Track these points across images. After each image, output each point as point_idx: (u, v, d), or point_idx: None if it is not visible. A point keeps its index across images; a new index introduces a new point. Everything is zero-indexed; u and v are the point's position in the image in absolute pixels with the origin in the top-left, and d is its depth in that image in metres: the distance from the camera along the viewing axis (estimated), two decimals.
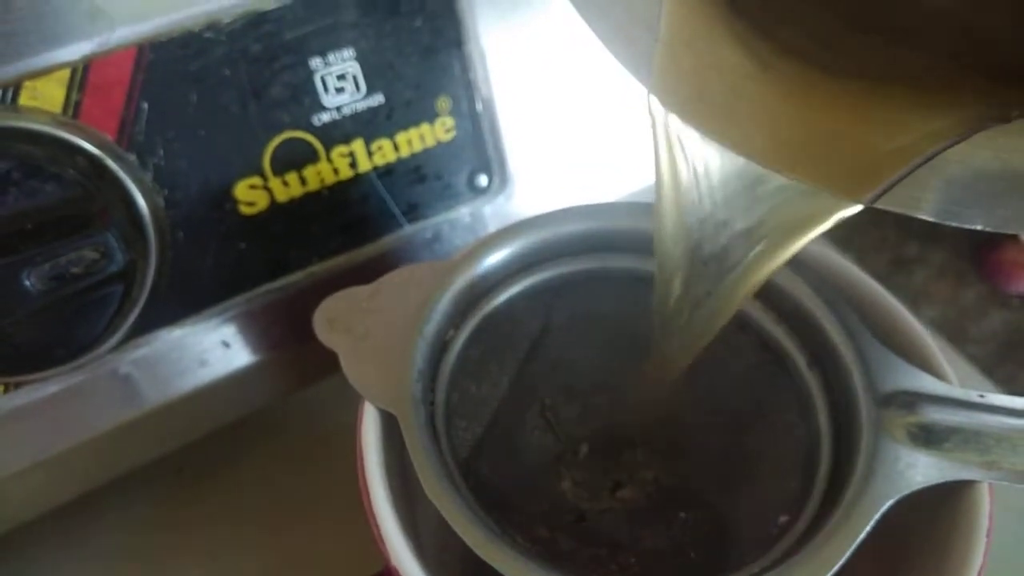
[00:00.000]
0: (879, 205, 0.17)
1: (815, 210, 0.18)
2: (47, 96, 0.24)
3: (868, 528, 0.20)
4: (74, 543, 0.34)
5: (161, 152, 0.26)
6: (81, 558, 0.34)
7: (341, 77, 0.28)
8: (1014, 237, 0.48)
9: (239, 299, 0.28)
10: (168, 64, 0.25)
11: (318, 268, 0.29)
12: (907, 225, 0.47)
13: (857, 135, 0.16)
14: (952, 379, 0.23)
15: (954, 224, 0.17)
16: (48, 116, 0.24)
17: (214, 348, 0.29)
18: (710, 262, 0.21)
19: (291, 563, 0.33)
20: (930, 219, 0.17)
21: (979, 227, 0.16)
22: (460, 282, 0.24)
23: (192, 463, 0.35)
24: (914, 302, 0.49)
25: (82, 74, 0.24)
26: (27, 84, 0.24)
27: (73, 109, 0.24)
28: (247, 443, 0.36)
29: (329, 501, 0.34)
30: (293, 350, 0.30)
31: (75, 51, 0.24)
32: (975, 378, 0.40)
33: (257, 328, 0.29)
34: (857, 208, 0.17)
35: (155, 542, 0.34)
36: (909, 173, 0.15)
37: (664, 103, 0.18)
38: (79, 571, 0.33)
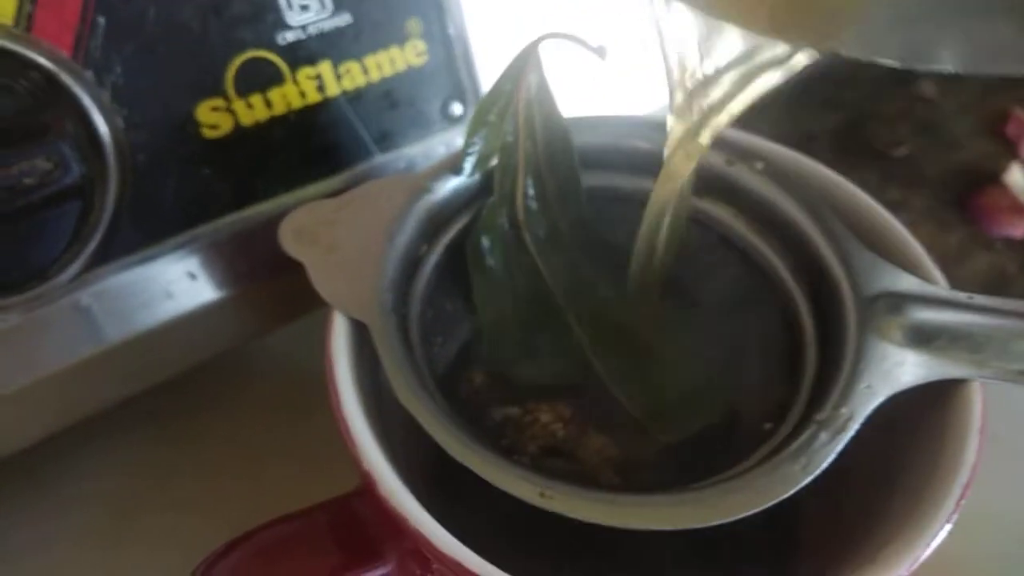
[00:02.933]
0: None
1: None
2: None
3: (857, 425, 0.19)
4: (44, 491, 0.33)
5: (119, 70, 0.25)
6: (51, 507, 0.33)
7: None
8: (997, 180, 0.47)
9: (205, 228, 0.27)
10: None
11: (287, 198, 0.28)
12: (889, 170, 0.47)
13: None
14: (940, 280, 0.22)
15: (922, 67, 0.16)
16: (1, 28, 0.23)
17: (180, 280, 0.28)
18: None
19: (269, 507, 0.32)
20: (896, 64, 0.16)
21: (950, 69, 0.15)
22: (434, 194, 0.23)
23: (165, 409, 0.34)
24: None
25: None
26: None
27: (25, 21, 0.23)
28: (220, 391, 0.35)
29: (305, 447, 0.33)
30: (263, 284, 0.29)
31: None
32: None
33: (225, 259, 0.28)
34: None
35: (128, 489, 0.33)
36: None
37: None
38: (48, 521, 0.32)
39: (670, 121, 0.21)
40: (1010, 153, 0.50)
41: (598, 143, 0.26)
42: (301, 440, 0.33)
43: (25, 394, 0.27)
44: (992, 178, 0.47)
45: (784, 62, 0.19)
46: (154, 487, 0.33)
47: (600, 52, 0.23)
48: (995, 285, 0.44)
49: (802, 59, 0.19)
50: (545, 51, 0.24)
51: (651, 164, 0.25)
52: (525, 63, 0.24)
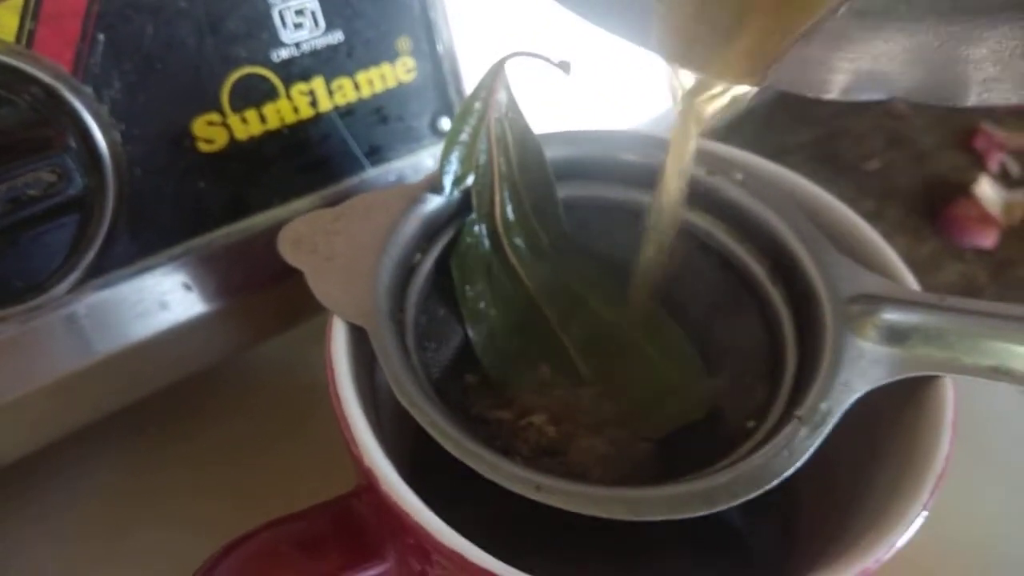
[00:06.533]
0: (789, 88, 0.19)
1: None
2: (1, 25, 0.23)
3: (835, 420, 0.20)
4: (34, 505, 0.33)
5: (117, 85, 0.25)
6: (41, 520, 0.33)
7: (299, 12, 0.27)
8: (967, 192, 0.49)
9: (200, 240, 0.28)
10: None
11: (280, 210, 0.29)
12: (862, 183, 0.48)
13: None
14: (913, 283, 0.23)
15: (858, 98, 0.18)
16: (0, 44, 0.23)
17: (175, 290, 0.28)
18: None
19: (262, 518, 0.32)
20: (837, 98, 0.18)
21: (883, 97, 0.18)
22: (427, 204, 0.24)
23: (155, 421, 0.35)
24: None
25: (36, 2, 0.24)
26: None
27: (27, 38, 0.24)
28: (211, 402, 0.36)
29: (299, 456, 0.33)
30: (257, 295, 0.30)
31: None
32: None
33: (219, 271, 0.29)
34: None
35: (120, 503, 0.33)
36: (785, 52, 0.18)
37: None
38: (39, 534, 0.33)
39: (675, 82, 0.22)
40: (979, 165, 0.51)
41: (581, 155, 0.27)
42: (294, 449, 0.34)
43: (20, 405, 0.27)
44: (962, 190, 0.49)
45: None
46: (146, 500, 0.34)
47: (564, 67, 0.24)
48: (966, 294, 0.45)
49: None
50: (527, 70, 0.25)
51: (636, 175, 0.26)
52: (493, 82, 0.24)
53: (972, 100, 0.17)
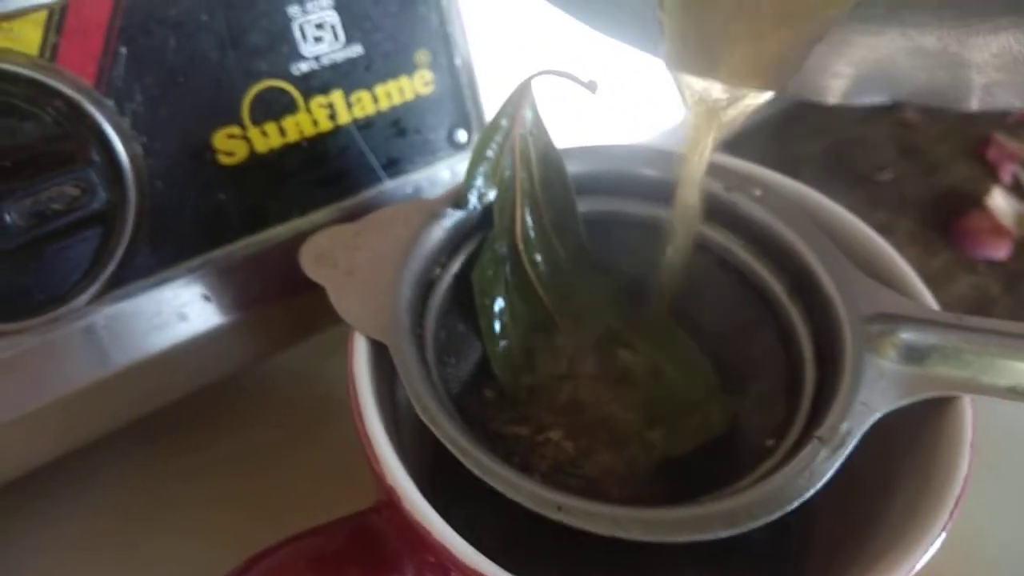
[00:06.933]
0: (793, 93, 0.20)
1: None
2: (23, 38, 0.24)
3: (855, 442, 0.20)
4: (45, 514, 0.33)
5: (139, 98, 0.25)
6: (52, 529, 0.33)
7: (319, 26, 0.28)
8: (979, 203, 0.49)
9: (219, 252, 0.28)
10: (146, 9, 0.25)
11: (299, 222, 0.29)
12: (874, 194, 0.48)
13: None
14: (931, 302, 0.23)
15: (860, 102, 0.18)
16: (25, 58, 0.24)
17: (194, 301, 0.28)
18: None
19: (276, 531, 0.32)
20: (839, 103, 0.19)
21: (884, 100, 0.18)
22: (447, 219, 0.24)
23: (168, 431, 0.35)
24: None
25: (60, 16, 0.24)
26: (3, 25, 0.23)
27: (50, 52, 0.24)
28: (224, 412, 0.36)
29: (314, 466, 0.33)
30: (275, 306, 0.30)
31: None
32: None
33: (238, 282, 0.29)
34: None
35: (132, 513, 0.34)
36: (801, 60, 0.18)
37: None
38: (50, 541, 0.33)
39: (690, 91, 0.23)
40: (991, 177, 0.51)
41: (601, 170, 0.27)
42: (310, 460, 0.34)
43: (39, 415, 0.27)
44: (974, 201, 0.49)
45: None
46: (161, 510, 0.34)
47: (591, 87, 0.24)
48: (979, 306, 0.45)
49: None
50: (545, 83, 0.25)
51: (655, 190, 0.26)
52: (520, 99, 0.25)
53: (974, 105, 0.17)
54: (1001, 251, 0.47)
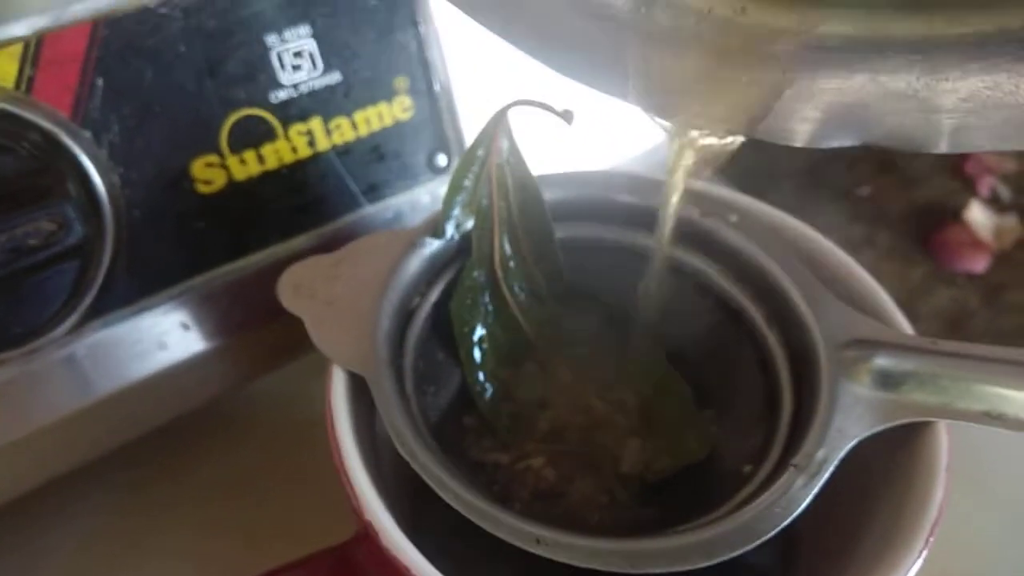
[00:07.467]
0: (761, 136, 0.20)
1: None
2: (0, 71, 0.24)
3: (831, 468, 0.20)
4: (32, 542, 0.33)
5: (116, 129, 0.25)
6: (40, 554, 0.33)
7: (298, 54, 0.28)
8: (958, 217, 0.49)
9: (198, 280, 0.28)
10: (123, 40, 0.25)
11: (279, 248, 0.29)
12: (853, 209, 0.49)
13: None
14: (906, 327, 0.24)
15: (828, 145, 0.18)
16: (2, 91, 0.24)
17: (173, 330, 0.28)
18: None
19: (262, 553, 0.32)
20: (805, 146, 0.19)
21: (853, 143, 0.18)
22: (426, 248, 0.24)
23: (156, 455, 0.34)
24: None
25: (35, 49, 0.24)
26: None
27: (26, 84, 0.24)
28: (210, 435, 0.36)
29: (298, 487, 0.33)
30: (255, 332, 0.30)
31: (28, 25, 0.24)
32: None
33: (218, 310, 0.29)
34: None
35: (119, 537, 0.33)
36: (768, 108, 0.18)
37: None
38: (37, 566, 0.32)
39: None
40: (969, 190, 0.52)
41: (578, 196, 0.27)
42: (292, 484, 0.34)
43: (19, 445, 0.27)
44: (953, 214, 0.49)
45: None
46: (143, 537, 0.34)
47: (567, 117, 0.24)
48: (958, 319, 0.45)
49: None
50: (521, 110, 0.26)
51: (632, 216, 0.26)
52: (496, 128, 0.25)
53: (944, 147, 0.18)
54: (979, 264, 0.47)
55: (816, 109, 0.18)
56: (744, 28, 0.18)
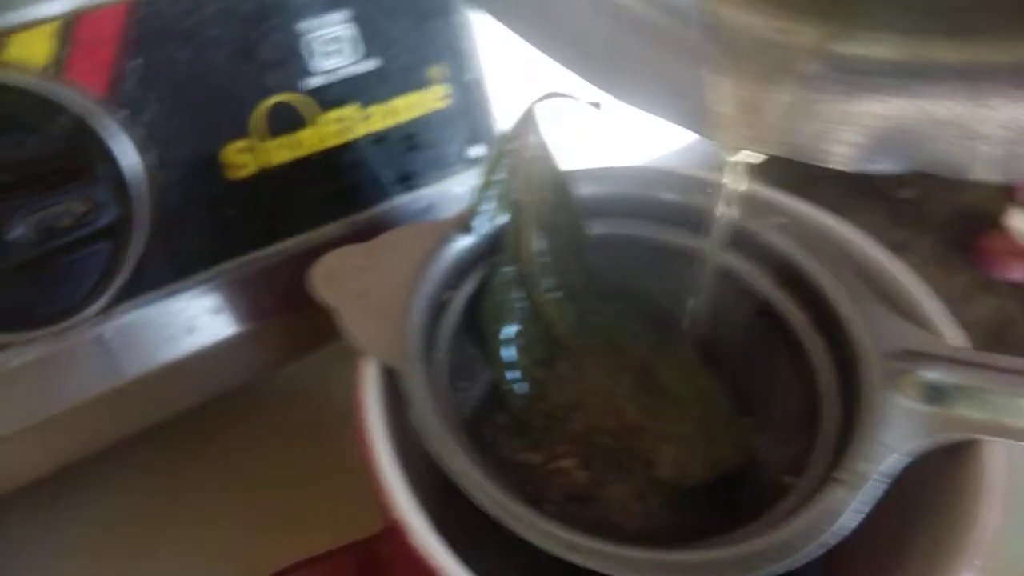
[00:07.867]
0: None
1: None
2: (34, 50, 0.23)
3: (881, 486, 0.20)
4: (55, 522, 0.33)
5: (150, 111, 0.25)
6: (55, 545, 0.33)
7: (334, 40, 0.27)
8: (998, 225, 0.48)
9: (229, 265, 0.28)
10: (158, 21, 0.25)
11: (310, 236, 0.29)
12: (894, 212, 0.48)
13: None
14: (958, 339, 0.23)
15: (873, 170, 0.18)
16: (35, 71, 0.23)
17: (203, 315, 0.28)
18: None
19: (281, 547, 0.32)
20: (845, 169, 0.19)
21: (895, 170, 0.18)
22: (459, 241, 0.24)
23: (181, 442, 0.34)
24: None
25: (70, 28, 0.23)
26: (13, 37, 0.23)
27: (60, 64, 0.24)
28: (230, 424, 0.36)
29: (321, 480, 0.33)
30: (284, 319, 0.30)
31: (63, 4, 0.23)
32: None
33: (248, 296, 0.29)
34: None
35: (135, 528, 0.33)
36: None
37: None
38: (60, 547, 0.32)
39: None
40: (1009, 196, 0.50)
41: (614, 192, 0.26)
42: (321, 470, 0.34)
43: (48, 425, 0.27)
44: (993, 221, 0.48)
45: None
46: (169, 521, 0.33)
47: (596, 105, 0.24)
48: (999, 328, 0.44)
49: None
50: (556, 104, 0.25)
51: (669, 213, 0.25)
52: (526, 123, 0.24)
53: (980, 174, 0.17)
54: (1020, 272, 0.46)
55: (857, 133, 0.17)
56: (784, 47, 0.17)
